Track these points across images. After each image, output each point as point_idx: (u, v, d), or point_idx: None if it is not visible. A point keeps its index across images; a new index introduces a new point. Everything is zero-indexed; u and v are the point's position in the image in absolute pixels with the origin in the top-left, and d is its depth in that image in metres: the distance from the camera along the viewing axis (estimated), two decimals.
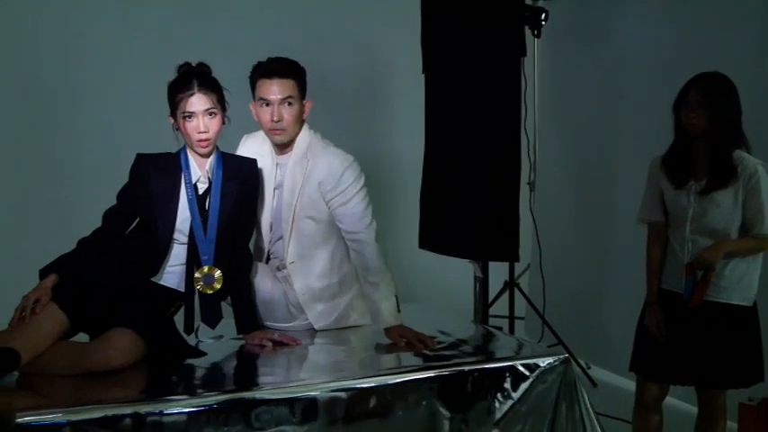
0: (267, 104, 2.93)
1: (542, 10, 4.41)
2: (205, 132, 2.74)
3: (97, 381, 2.40)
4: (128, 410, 2.16)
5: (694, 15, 4.00)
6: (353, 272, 3.06)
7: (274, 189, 3.04)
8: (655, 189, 2.99)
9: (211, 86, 2.77)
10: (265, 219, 3.05)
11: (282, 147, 3.02)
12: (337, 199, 2.95)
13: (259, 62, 2.98)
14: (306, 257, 3.02)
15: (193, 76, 2.75)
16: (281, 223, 3.02)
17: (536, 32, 4.46)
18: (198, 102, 2.73)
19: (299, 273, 3.01)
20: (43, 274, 2.64)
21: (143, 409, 2.18)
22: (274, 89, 2.91)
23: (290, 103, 2.93)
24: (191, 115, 2.74)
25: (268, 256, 3.09)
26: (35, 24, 4.26)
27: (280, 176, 3.03)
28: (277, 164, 3.04)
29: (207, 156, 2.83)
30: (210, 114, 2.75)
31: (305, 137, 3.01)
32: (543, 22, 4.42)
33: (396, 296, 2.91)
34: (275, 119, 2.92)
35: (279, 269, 3.05)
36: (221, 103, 2.79)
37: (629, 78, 4.39)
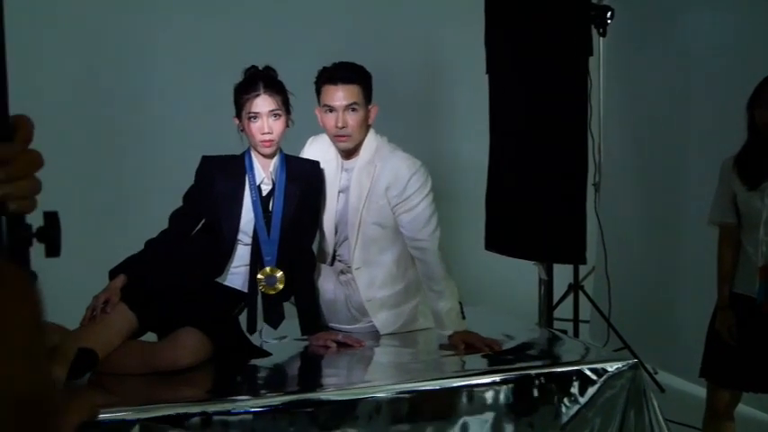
0: (332, 110, 2.90)
1: (608, 8, 4.34)
2: (269, 133, 2.76)
3: (165, 380, 2.44)
4: (196, 409, 2.18)
5: (766, 10, 3.89)
6: (419, 278, 3.03)
7: (339, 192, 3.03)
8: (727, 190, 2.92)
9: (277, 88, 2.79)
10: (329, 222, 3.04)
11: (348, 152, 3.01)
12: (402, 205, 2.91)
13: (324, 68, 2.96)
14: (371, 264, 3.00)
15: (259, 79, 2.78)
16: (346, 227, 3.01)
17: (601, 31, 4.39)
18: (263, 103, 2.75)
19: (364, 279, 3.00)
20: (112, 274, 2.69)
21: (211, 408, 2.20)
22: (339, 95, 2.89)
23: (354, 110, 2.90)
24: (256, 116, 2.76)
25: (333, 258, 3.09)
26: (103, 29, 4.35)
27: (345, 180, 3.02)
28: (343, 167, 3.03)
29: (270, 157, 2.85)
30: (275, 116, 2.77)
31: (371, 142, 2.99)
32: (609, 21, 4.35)
33: (460, 302, 2.88)
34: (340, 125, 2.89)
35: (343, 272, 3.05)
36: (286, 105, 2.81)
37: (698, 76, 4.29)
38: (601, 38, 4.44)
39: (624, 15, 4.55)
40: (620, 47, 4.79)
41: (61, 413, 0.79)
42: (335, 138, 2.95)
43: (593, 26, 4.26)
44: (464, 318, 2.86)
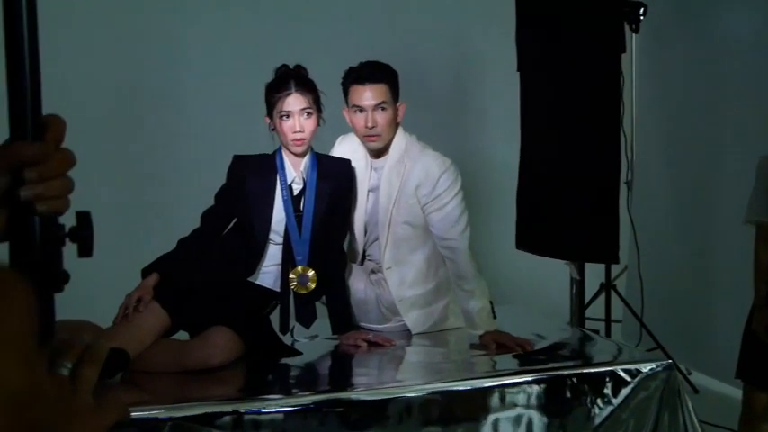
0: (361, 111, 2.90)
1: (641, 4, 4.29)
2: (300, 132, 2.76)
3: (196, 378, 2.45)
4: (227, 408, 2.19)
5: None
6: (449, 277, 3.02)
7: (368, 191, 3.03)
8: (764, 188, 2.87)
9: (308, 87, 2.79)
10: (359, 221, 3.04)
11: (378, 151, 3.00)
12: (432, 204, 2.90)
13: (351, 68, 2.95)
14: (402, 263, 3.00)
15: (291, 77, 2.78)
16: (376, 226, 3.01)
17: (634, 27, 4.34)
18: (294, 101, 2.75)
19: (395, 279, 2.99)
20: (145, 273, 2.70)
21: (242, 407, 2.21)
22: (367, 95, 2.88)
23: (383, 109, 2.89)
24: (287, 115, 2.76)
25: (363, 257, 3.09)
26: (134, 27, 4.38)
27: (375, 179, 3.02)
28: (372, 167, 3.03)
29: (302, 156, 2.85)
30: (306, 114, 2.77)
31: (401, 140, 2.98)
32: (642, 17, 4.30)
33: (491, 301, 2.86)
34: (369, 125, 2.88)
35: (373, 272, 3.05)
36: (317, 103, 2.80)
37: (733, 73, 4.23)
38: (633, 34, 4.39)
39: (657, 11, 4.49)
40: (653, 43, 4.74)
41: (94, 413, 0.79)
42: (365, 138, 2.94)
43: (625, 22, 4.22)
44: (495, 317, 2.84)
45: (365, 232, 3.04)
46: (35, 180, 0.80)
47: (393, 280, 2.99)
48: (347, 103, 2.96)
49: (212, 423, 2.17)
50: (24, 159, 0.79)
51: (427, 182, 2.90)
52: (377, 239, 3.02)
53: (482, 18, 4.84)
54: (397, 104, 2.96)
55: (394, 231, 2.97)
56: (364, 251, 3.07)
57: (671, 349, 4.18)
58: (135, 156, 4.43)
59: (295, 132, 2.76)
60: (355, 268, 3.05)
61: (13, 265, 0.83)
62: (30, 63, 0.82)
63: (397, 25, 4.72)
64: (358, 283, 3.02)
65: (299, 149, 2.80)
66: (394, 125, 2.95)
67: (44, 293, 0.83)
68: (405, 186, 2.93)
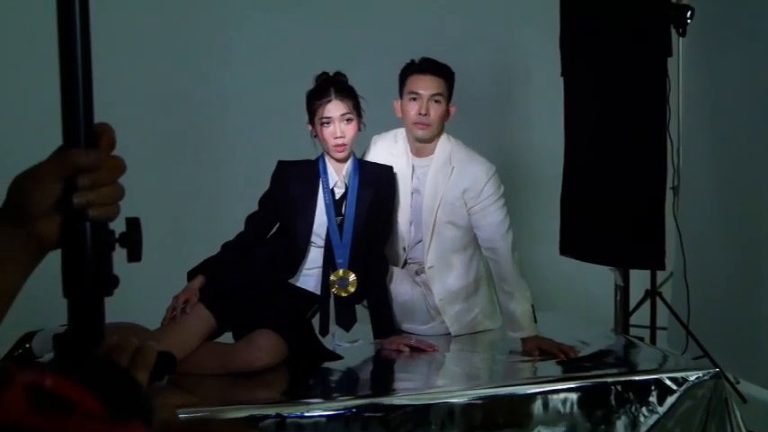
0: (416, 99, 2.96)
1: (688, 7, 4.23)
2: (341, 138, 2.79)
3: (241, 381, 2.48)
4: (271, 411, 2.21)
5: None
6: (486, 274, 3.08)
7: (411, 192, 3.05)
8: None
9: (347, 93, 2.83)
10: (403, 222, 3.07)
11: (421, 149, 3.03)
12: (477, 207, 2.97)
13: (412, 60, 3.03)
14: (445, 262, 3.05)
15: (330, 84, 2.82)
16: (419, 227, 3.05)
17: (681, 31, 4.28)
18: (335, 108, 2.78)
19: (438, 277, 3.04)
20: (191, 275, 2.75)
21: (286, 410, 2.22)
22: (426, 84, 2.96)
23: (437, 101, 2.96)
24: (328, 121, 2.79)
25: (405, 260, 3.11)
26: (181, 34, 4.44)
27: (417, 180, 3.05)
28: (413, 166, 3.06)
29: (344, 161, 2.87)
30: (347, 120, 2.80)
31: (446, 143, 3.04)
32: (689, 21, 4.25)
33: (532, 305, 2.87)
34: (423, 112, 2.94)
35: (417, 273, 3.07)
36: (357, 109, 2.84)
37: None
38: (680, 38, 4.33)
39: (705, 14, 4.43)
40: (700, 46, 4.67)
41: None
42: (416, 125, 2.97)
43: (672, 26, 4.17)
44: (536, 321, 2.85)
45: (409, 233, 3.07)
46: (88, 187, 0.81)
47: (436, 279, 3.03)
48: (401, 94, 3.01)
49: (256, 425, 2.19)
50: (79, 167, 0.81)
51: (475, 186, 2.97)
52: (420, 241, 3.05)
53: (526, 23, 4.82)
54: (450, 105, 3.01)
55: (438, 232, 3.01)
56: (406, 253, 3.10)
57: (718, 357, 4.11)
58: (182, 162, 4.49)
59: (336, 138, 2.79)
60: (398, 272, 3.06)
61: (65, 270, 0.85)
62: (83, 73, 0.84)
63: (441, 31, 4.71)
64: (403, 286, 3.04)
65: (341, 155, 2.83)
66: (443, 121, 3.02)
67: (95, 297, 0.85)
68: (452, 188, 2.99)
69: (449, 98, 3.01)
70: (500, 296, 2.97)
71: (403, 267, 3.12)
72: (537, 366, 2.70)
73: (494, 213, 2.96)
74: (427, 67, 2.98)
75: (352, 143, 2.85)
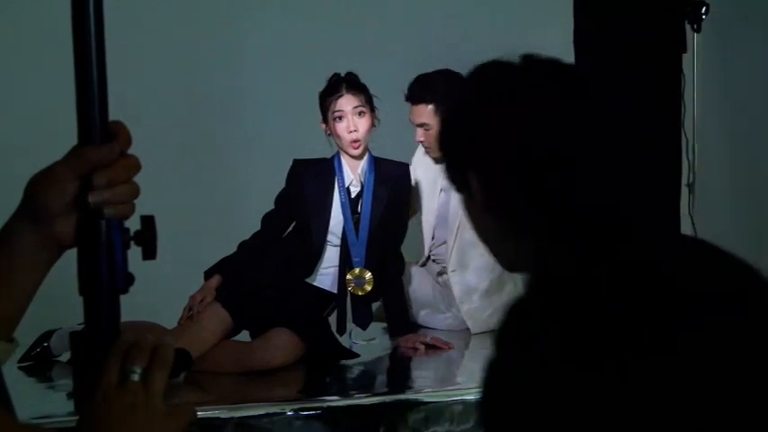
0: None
1: (703, 3, 4.20)
2: (355, 131, 2.78)
3: (258, 379, 2.49)
4: (288, 409, 2.22)
5: None
6: (506, 275, 3.04)
7: (440, 190, 3.04)
8: None
9: (359, 88, 2.83)
10: (428, 219, 3.06)
11: None
12: None
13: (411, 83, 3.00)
14: (467, 267, 3.01)
15: (341, 81, 2.83)
16: (445, 228, 3.03)
17: (696, 27, 4.26)
18: (346, 102, 2.79)
19: (459, 283, 3.01)
20: (207, 275, 2.76)
21: (303, 407, 2.23)
22: (414, 116, 2.97)
23: (426, 129, 2.94)
24: (341, 116, 2.79)
25: (427, 259, 3.10)
26: (194, 35, 4.45)
27: (445, 180, 3.04)
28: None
29: (359, 158, 2.87)
30: (359, 114, 2.79)
31: None
32: (704, 16, 4.22)
33: None
34: (421, 139, 2.98)
35: (440, 274, 3.06)
36: (369, 103, 2.83)
37: None
38: (695, 33, 4.31)
39: (720, 10, 4.40)
40: (716, 42, 4.64)
41: (169, 416, 0.80)
42: (426, 150, 3.02)
43: (686, 22, 4.15)
44: None
45: (432, 234, 3.07)
46: (104, 185, 0.82)
47: (457, 284, 3.01)
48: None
49: (274, 423, 2.20)
50: (95, 163, 0.81)
51: None
52: (444, 242, 3.04)
53: (539, 21, 4.79)
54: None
55: (462, 236, 2.97)
56: (429, 252, 3.09)
57: None
58: (197, 161, 4.49)
59: (350, 132, 2.78)
60: (420, 271, 3.06)
61: (81, 268, 0.85)
62: (97, 70, 0.84)
63: (453, 30, 4.69)
64: (424, 287, 3.04)
65: (356, 152, 2.83)
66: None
67: (110, 295, 0.86)
68: None
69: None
70: None
71: (424, 266, 3.11)
72: None
73: None
74: (414, 95, 2.96)
75: (367, 139, 2.84)
